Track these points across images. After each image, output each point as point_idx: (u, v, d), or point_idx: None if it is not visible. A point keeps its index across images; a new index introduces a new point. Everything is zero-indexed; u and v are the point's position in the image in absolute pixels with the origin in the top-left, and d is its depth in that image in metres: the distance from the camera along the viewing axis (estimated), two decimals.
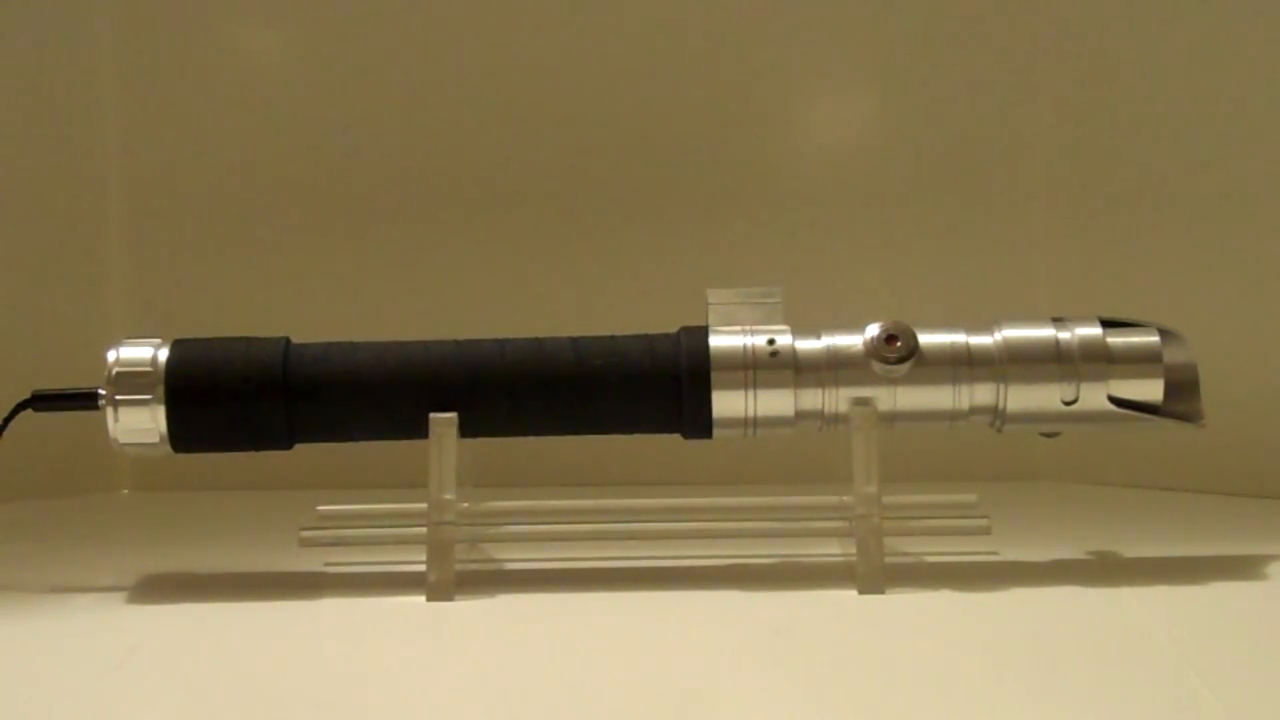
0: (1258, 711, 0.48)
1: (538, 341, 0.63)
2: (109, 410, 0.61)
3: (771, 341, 0.62)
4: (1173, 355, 0.63)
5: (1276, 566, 0.64)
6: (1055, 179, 0.88)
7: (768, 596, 0.62)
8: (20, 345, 0.87)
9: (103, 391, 0.62)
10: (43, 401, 0.63)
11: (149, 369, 0.62)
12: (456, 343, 0.63)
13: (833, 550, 0.66)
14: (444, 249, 0.90)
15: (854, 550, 0.62)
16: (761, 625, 0.58)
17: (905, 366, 0.62)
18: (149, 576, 0.67)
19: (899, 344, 0.62)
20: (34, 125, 0.89)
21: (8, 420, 0.63)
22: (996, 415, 0.63)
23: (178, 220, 0.91)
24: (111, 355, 0.62)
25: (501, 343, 0.63)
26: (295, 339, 0.64)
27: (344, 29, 0.91)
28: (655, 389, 0.62)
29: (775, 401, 0.62)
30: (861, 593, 0.61)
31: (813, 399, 0.62)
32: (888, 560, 0.62)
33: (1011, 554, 0.67)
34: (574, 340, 0.63)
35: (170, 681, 0.52)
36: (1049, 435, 0.65)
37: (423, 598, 0.61)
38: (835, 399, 0.62)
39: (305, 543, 0.64)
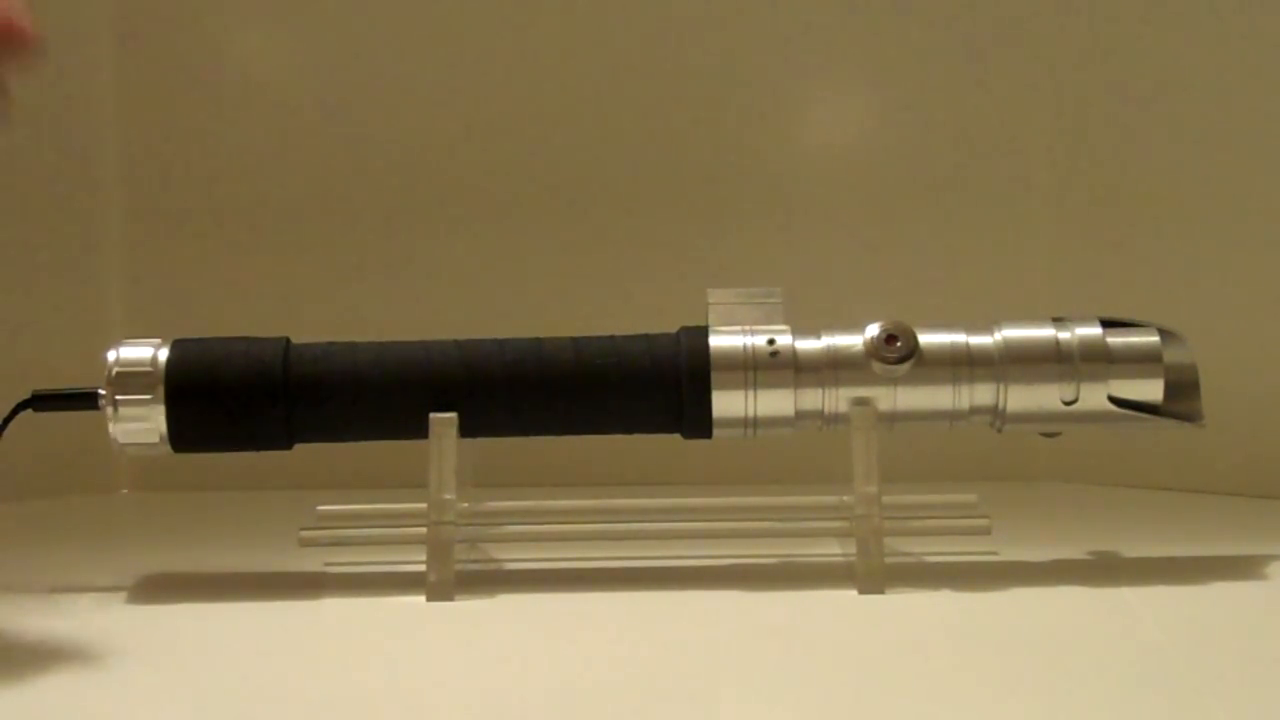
0: (1258, 711, 0.48)
1: (538, 341, 0.63)
2: (109, 410, 0.61)
3: (771, 341, 0.62)
4: (1173, 355, 0.63)
5: (1276, 566, 0.64)
6: (1055, 179, 0.88)
7: (768, 596, 0.62)
8: (20, 345, 0.86)
9: (103, 391, 0.62)
10: (43, 401, 0.63)
11: (149, 369, 0.62)
12: (456, 343, 0.63)
13: (833, 550, 0.66)
14: (444, 249, 0.90)
15: (854, 550, 0.62)
16: (761, 625, 0.58)
17: (905, 366, 0.62)
18: (149, 576, 0.67)
19: (899, 344, 0.62)
20: (33, 124, 0.89)
21: (8, 420, 0.63)
22: (996, 415, 0.63)
23: (178, 220, 0.91)
24: (111, 355, 0.62)
25: (501, 343, 0.63)
26: (295, 339, 0.64)
27: (344, 28, 0.91)
28: (655, 389, 0.62)
29: (775, 401, 0.62)
30: (861, 593, 0.61)
31: (813, 399, 0.62)
32: (888, 560, 0.62)
33: (1011, 554, 0.67)
34: (574, 340, 0.63)
35: (170, 681, 0.52)
36: (1049, 435, 0.65)
37: (423, 598, 0.61)
38: (835, 399, 0.62)
39: (305, 543, 0.64)
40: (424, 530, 0.62)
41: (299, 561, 0.66)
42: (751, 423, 0.62)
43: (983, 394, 0.62)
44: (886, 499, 0.62)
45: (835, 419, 0.62)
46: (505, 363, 0.62)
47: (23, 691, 0.51)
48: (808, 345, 0.63)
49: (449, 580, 0.62)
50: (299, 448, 0.64)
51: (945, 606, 0.60)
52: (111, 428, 0.62)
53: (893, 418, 0.62)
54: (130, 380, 0.61)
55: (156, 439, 0.62)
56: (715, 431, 0.63)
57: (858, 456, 0.62)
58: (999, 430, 0.63)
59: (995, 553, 0.67)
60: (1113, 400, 0.62)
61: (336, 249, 0.91)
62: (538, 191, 0.90)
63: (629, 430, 0.64)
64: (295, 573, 0.66)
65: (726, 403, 0.62)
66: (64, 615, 0.61)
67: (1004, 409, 0.62)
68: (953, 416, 0.63)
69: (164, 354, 0.62)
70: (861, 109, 0.92)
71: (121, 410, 0.61)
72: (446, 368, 0.63)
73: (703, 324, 0.63)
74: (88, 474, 0.88)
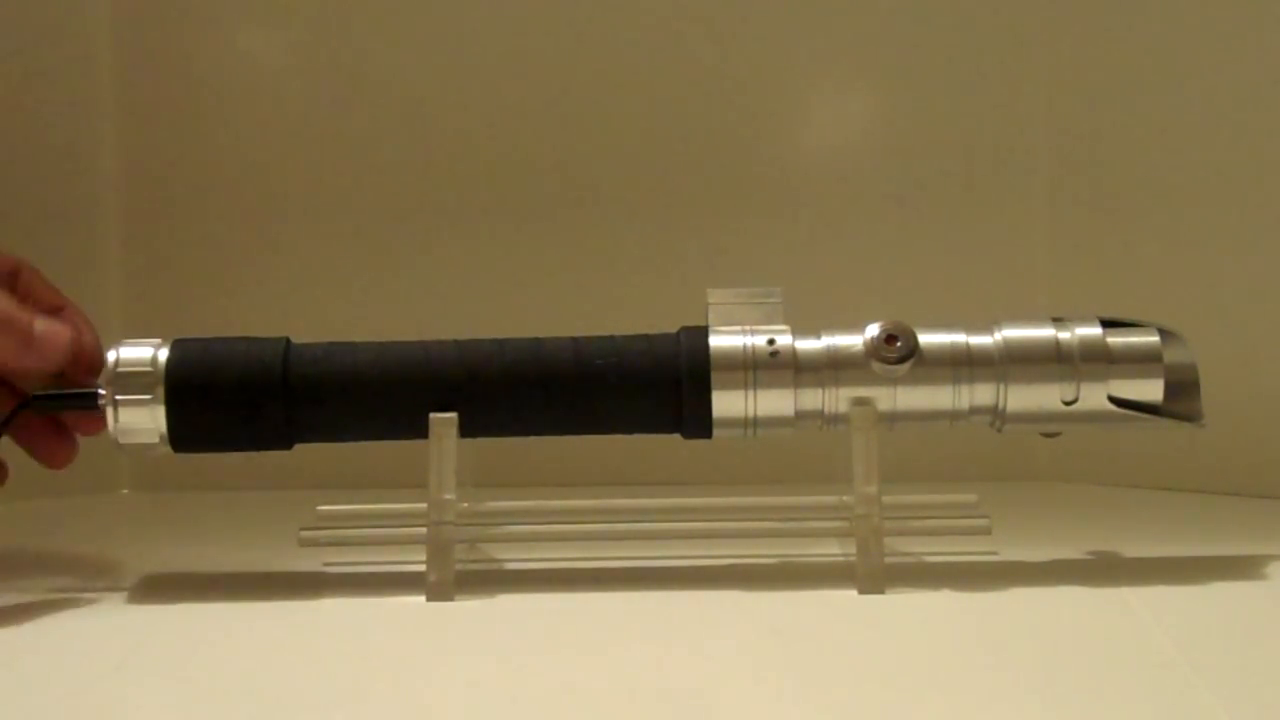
0: (1258, 711, 0.47)
1: (538, 341, 0.63)
2: (109, 410, 0.61)
3: (771, 341, 0.62)
4: (1173, 355, 0.63)
5: (1276, 566, 0.64)
6: (1054, 179, 0.88)
7: (768, 596, 0.62)
8: None
9: (102, 391, 0.62)
10: (43, 402, 0.63)
11: (149, 369, 0.61)
12: (456, 343, 0.63)
13: (833, 550, 0.66)
14: (444, 249, 0.90)
15: (854, 550, 0.62)
16: (761, 625, 0.58)
17: (905, 366, 0.62)
18: (149, 576, 0.67)
19: (899, 344, 0.62)
20: (32, 124, 0.89)
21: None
22: (996, 415, 0.63)
23: (177, 220, 0.91)
24: (111, 355, 0.62)
25: (501, 343, 0.63)
26: (295, 339, 0.64)
27: (344, 28, 0.91)
28: (655, 389, 0.62)
29: (775, 401, 0.62)
30: (861, 593, 0.61)
31: (813, 399, 0.62)
32: (888, 560, 0.62)
33: (1011, 554, 0.67)
34: (574, 340, 0.63)
35: (170, 681, 0.52)
36: (1049, 435, 0.65)
37: (423, 598, 0.61)
38: (835, 399, 0.62)
39: (305, 543, 0.64)
40: (424, 530, 0.62)
41: (299, 561, 0.66)
42: (751, 423, 0.62)
43: (983, 394, 0.62)
44: (886, 499, 0.62)
45: (835, 419, 0.62)
46: (505, 363, 0.62)
47: (23, 691, 0.51)
48: (808, 345, 0.63)
49: (449, 580, 0.62)
50: (299, 448, 0.64)
51: (945, 606, 0.60)
52: (111, 428, 0.62)
53: (893, 418, 0.62)
54: (130, 380, 0.61)
55: (156, 439, 0.62)
56: (715, 431, 0.63)
57: (858, 456, 0.62)
58: (999, 430, 0.63)
59: (995, 553, 0.67)
60: (1113, 400, 0.62)
61: (336, 249, 0.91)
62: (538, 191, 0.90)
63: (629, 430, 0.64)
64: (295, 573, 0.66)
65: (726, 403, 0.62)
66: (64, 615, 0.61)
67: (1004, 409, 0.62)
68: (953, 416, 0.63)
69: (164, 354, 0.62)
70: (861, 109, 0.92)
71: (121, 410, 0.61)
72: (446, 368, 0.63)
73: (703, 324, 0.63)
74: (88, 474, 0.88)
